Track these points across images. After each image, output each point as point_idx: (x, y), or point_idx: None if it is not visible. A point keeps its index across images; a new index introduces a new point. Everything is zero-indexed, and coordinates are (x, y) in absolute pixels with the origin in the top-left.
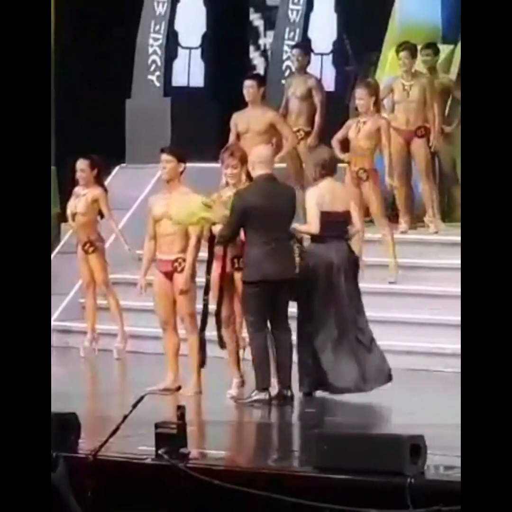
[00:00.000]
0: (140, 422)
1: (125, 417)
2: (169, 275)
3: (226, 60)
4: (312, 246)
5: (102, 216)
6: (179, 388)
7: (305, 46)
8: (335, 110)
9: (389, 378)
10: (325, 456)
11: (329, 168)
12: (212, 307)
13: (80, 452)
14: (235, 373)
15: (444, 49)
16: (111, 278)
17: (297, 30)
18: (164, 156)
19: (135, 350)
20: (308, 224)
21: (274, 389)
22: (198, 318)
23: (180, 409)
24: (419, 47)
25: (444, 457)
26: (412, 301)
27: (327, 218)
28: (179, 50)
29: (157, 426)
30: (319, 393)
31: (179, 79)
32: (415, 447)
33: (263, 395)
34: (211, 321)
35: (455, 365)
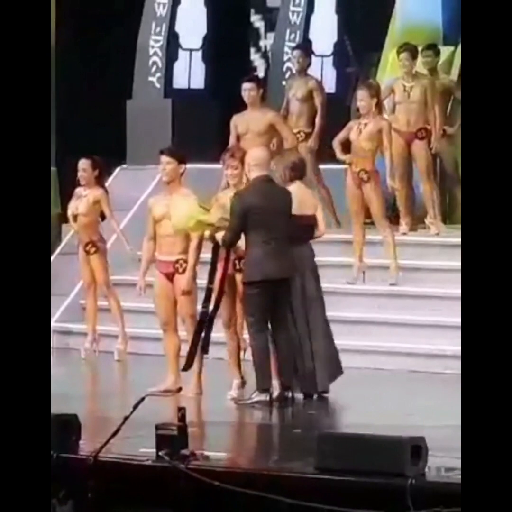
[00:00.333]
0: (140, 423)
1: (126, 418)
2: (170, 276)
3: (226, 62)
4: None
5: (102, 218)
6: (179, 389)
7: (306, 47)
8: (336, 111)
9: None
10: (326, 457)
11: (298, 171)
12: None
13: (81, 454)
14: (236, 374)
15: (445, 50)
16: (112, 279)
17: (298, 32)
18: (164, 158)
19: (136, 352)
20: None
21: (275, 390)
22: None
23: (181, 411)
24: (419, 48)
25: (445, 459)
26: (413, 303)
27: (296, 221)
28: (180, 51)
29: (157, 427)
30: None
31: (179, 80)
32: (416, 449)
33: (263, 396)
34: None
35: (456, 366)
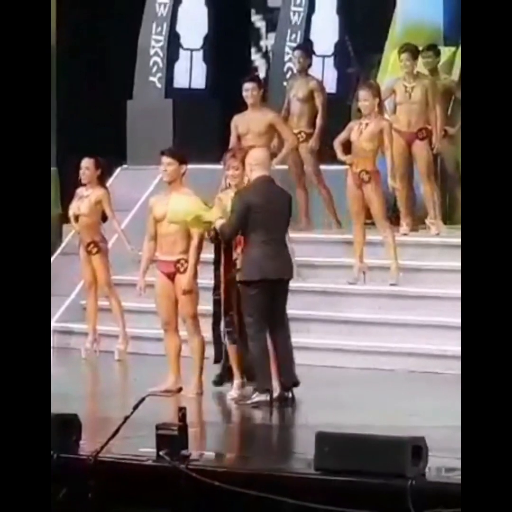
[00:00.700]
0: (141, 423)
1: (126, 418)
2: (171, 276)
3: (227, 62)
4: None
5: (104, 219)
6: (180, 389)
7: (306, 47)
8: (336, 112)
9: None
10: (326, 458)
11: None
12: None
13: (81, 453)
14: (236, 375)
15: (446, 51)
16: (112, 280)
17: (299, 32)
18: (165, 159)
19: (136, 352)
20: None
21: (275, 390)
22: (200, 319)
23: (181, 411)
24: (420, 49)
25: (445, 459)
26: (413, 303)
27: None
28: (181, 51)
29: (158, 427)
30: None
31: (180, 80)
32: (417, 449)
33: (264, 397)
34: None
35: (456, 367)
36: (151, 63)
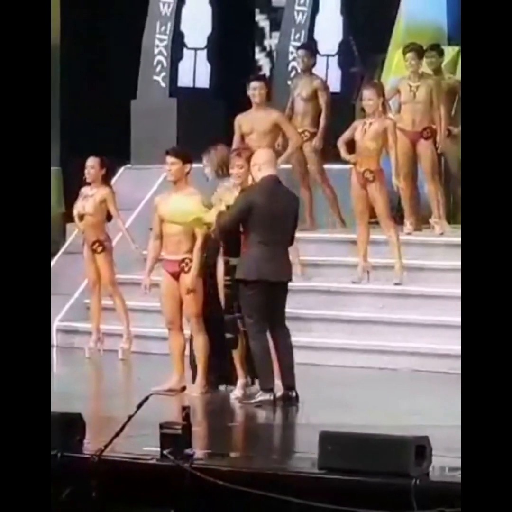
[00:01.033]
0: (145, 422)
1: (130, 417)
2: (175, 275)
3: (231, 61)
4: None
5: (108, 218)
6: (184, 388)
7: (310, 47)
8: (340, 111)
9: None
10: (330, 457)
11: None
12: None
13: (85, 453)
14: (240, 374)
15: (450, 51)
16: (116, 278)
17: (303, 31)
18: (169, 158)
19: (140, 351)
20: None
21: (279, 390)
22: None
23: (185, 410)
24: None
25: (449, 459)
26: (417, 302)
27: None
28: (185, 51)
29: (162, 426)
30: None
31: (184, 80)
32: (420, 448)
33: (268, 396)
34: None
35: (459, 366)
36: (155, 62)
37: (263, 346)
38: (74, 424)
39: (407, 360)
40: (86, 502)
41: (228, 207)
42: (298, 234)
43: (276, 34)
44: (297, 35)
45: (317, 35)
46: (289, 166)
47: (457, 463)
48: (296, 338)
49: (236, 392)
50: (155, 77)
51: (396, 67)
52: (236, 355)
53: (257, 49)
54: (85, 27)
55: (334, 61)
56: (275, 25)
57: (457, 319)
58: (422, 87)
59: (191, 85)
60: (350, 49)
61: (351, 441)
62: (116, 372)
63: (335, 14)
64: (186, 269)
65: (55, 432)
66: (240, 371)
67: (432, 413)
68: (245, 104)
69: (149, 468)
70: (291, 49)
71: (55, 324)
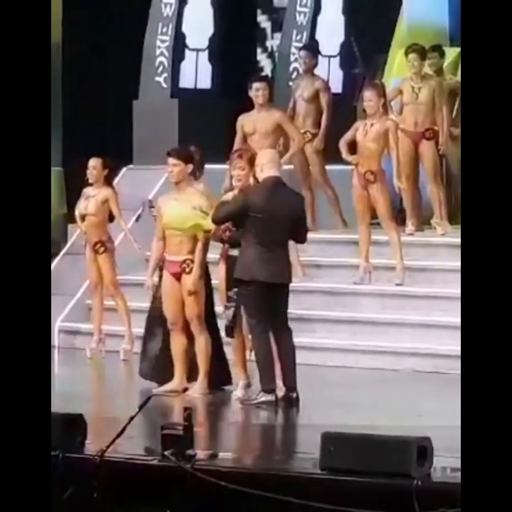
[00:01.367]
0: (146, 423)
1: (132, 418)
2: (177, 276)
3: (233, 62)
4: None
5: (111, 219)
6: (185, 389)
7: (312, 48)
8: (342, 112)
9: None
10: (331, 458)
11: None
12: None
13: (87, 453)
14: (241, 375)
15: (451, 52)
16: (118, 279)
17: (305, 32)
18: (170, 160)
19: None
20: None
21: (280, 391)
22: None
23: (187, 411)
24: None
25: (451, 459)
26: (419, 303)
27: None
28: (187, 51)
29: (163, 427)
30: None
31: (186, 80)
32: (422, 449)
33: (269, 397)
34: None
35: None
36: (157, 63)
37: (265, 347)
38: (76, 424)
39: (409, 361)
40: (87, 503)
41: (223, 202)
42: None
43: (277, 35)
44: (299, 36)
45: (318, 36)
46: (291, 167)
47: (459, 463)
48: (298, 338)
49: (237, 393)
50: (157, 78)
51: (398, 68)
52: (235, 354)
53: (258, 50)
54: (87, 27)
55: (335, 62)
56: (276, 26)
57: (459, 319)
58: (425, 88)
59: (192, 86)
60: (351, 50)
61: (353, 441)
62: (118, 373)
63: (336, 15)
64: (187, 270)
65: (57, 433)
66: (241, 372)
67: (434, 414)
68: (247, 105)
69: (151, 469)
70: (292, 50)
71: (57, 324)
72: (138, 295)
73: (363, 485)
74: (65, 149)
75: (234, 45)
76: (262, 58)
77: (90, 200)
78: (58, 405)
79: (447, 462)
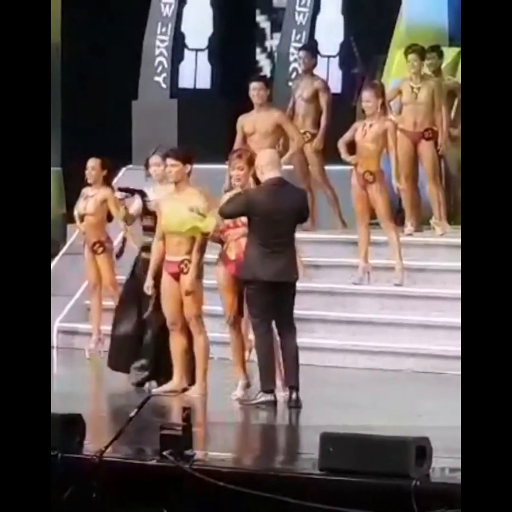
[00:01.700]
0: (145, 423)
1: (130, 418)
2: (176, 276)
3: (232, 62)
4: None
5: (109, 219)
6: (184, 389)
7: (312, 48)
8: (341, 112)
9: None
10: (330, 458)
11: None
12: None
13: (86, 453)
14: (241, 375)
15: (451, 52)
16: (117, 280)
17: (304, 32)
18: (169, 160)
19: None
20: None
21: (280, 391)
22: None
23: (186, 411)
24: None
25: (449, 460)
26: (418, 303)
27: None
28: (186, 51)
29: (162, 427)
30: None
31: (185, 80)
32: (421, 450)
33: (268, 397)
34: (217, 321)
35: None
36: (156, 63)
37: (267, 347)
38: (75, 424)
39: (408, 361)
40: (86, 503)
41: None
42: (298, 235)
43: (277, 35)
44: (298, 36)
45: (318, 36)
46: (290, 167)
47: (458, 464)
48: (297, 339)
49: (236, 393)
50: (156, 78)
51: (397, 68)
52: (234, 355)
53: (258, 50)
54: (86, 27)
55: (335, 62)
56: (276, 26)
57: (458, 320)
58: (424, 88)
59: (192, 86)
60: (351, 50)
61: (352, 442)
62: (116, 373)
63: (336, 15)
64: (185, 270)
65: (56, 433)
66: (239, 372)
67: (432, 414)
68: (247, 105)
69: (150, 469)
70: (292, 50)
71: (56, 325)
72: None
73: (361, 486)
74: (64, 149)
75: (234, 45)
76: (262, 58)
77: (89, 200)
78: (57, 405)
79: (446, 462)
